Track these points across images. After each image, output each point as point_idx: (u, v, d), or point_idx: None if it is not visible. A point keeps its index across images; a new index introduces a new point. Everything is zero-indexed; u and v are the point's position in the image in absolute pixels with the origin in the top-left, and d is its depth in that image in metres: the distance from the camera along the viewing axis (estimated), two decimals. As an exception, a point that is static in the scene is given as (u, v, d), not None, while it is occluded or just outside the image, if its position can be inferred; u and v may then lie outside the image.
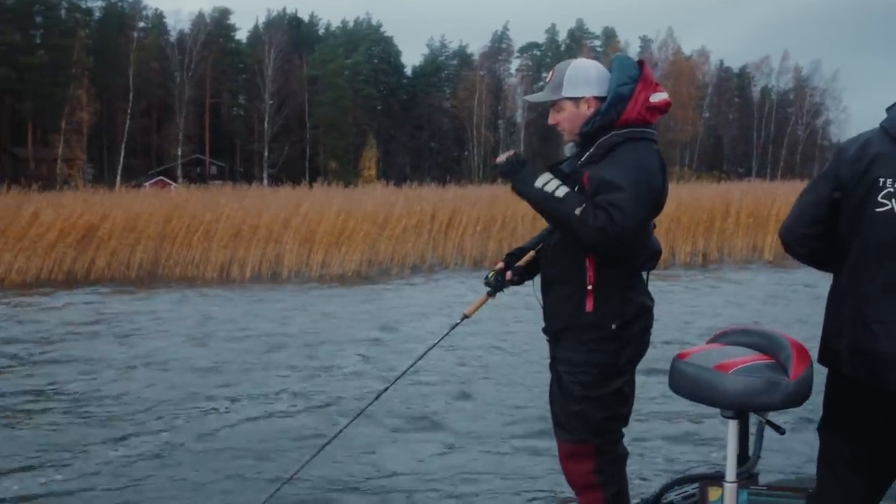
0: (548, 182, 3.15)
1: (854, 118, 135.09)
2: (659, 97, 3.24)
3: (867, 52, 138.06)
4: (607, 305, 3.19)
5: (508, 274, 3.57)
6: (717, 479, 3.49)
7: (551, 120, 3.39)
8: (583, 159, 3.23)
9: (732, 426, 3.12)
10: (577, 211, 3.03)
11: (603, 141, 3.18)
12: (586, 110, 3.26)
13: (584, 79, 3.28)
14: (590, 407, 3.23)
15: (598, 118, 3.20)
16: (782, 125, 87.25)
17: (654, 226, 3.43)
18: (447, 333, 3.77)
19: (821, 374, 2.86)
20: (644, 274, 3.38)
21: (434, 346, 3.80)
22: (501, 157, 3.33)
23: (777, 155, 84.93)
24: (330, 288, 14.71)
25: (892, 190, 2.66)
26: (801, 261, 3.06)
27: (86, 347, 9.24)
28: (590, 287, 3.19)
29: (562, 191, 3.11)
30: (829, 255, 2.88)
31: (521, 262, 3.60)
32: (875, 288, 2.68)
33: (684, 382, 3.19)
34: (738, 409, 3.05)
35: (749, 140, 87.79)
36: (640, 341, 3.30)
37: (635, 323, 3.24)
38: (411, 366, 3.83)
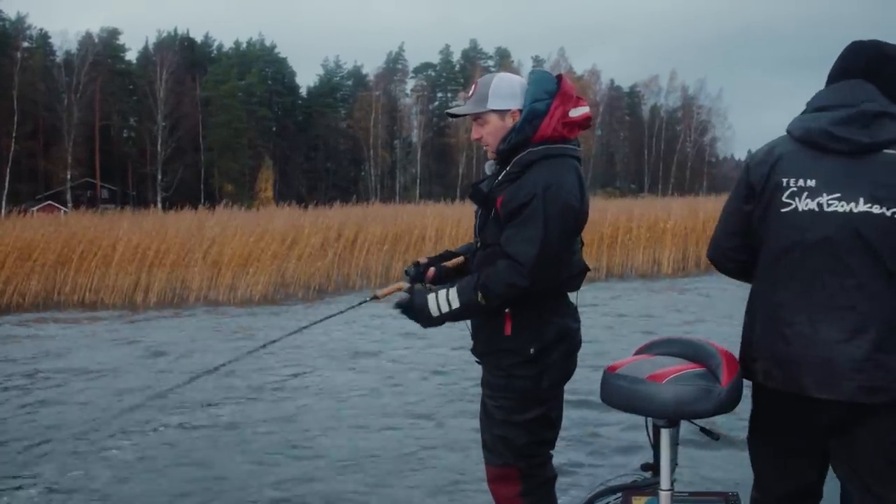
0: (438, 303, 3.15)
1: (739, 135, 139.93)
2: (578, 112, 3.17)
3: (748, 73, 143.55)
4: (525, 329, 3.14)
5: (431, 271, 3.43)
6: (641, 488, 3.51)
7: (475, 135, 3.28)
8: (500, 178, 3.14)
9: (665, 435, 3.14)
10: (480, 298, 3.05)
11: (519, 158, 3.10)
12: (511, 124, 3.16)
13: (510, 92, 3.19)
14: (512, 432, 3.19)
15: (514, 135, 3.12)
16: (672, 142, 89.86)
17: (582, 243, 3.36)
18: (349, 309, 3.72)
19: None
20: (574, 294, 3.33)
21: (329, 317, 3.70)
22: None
23: (668, 171, 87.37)
24: (236, 313, 14.43)
25: (795, 189, 2.68)
26: (732, 277, 3.08)
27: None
28: (507, 310, 3.13)
29: (454, 299, 3.11)
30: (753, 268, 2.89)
31: (448, 263, 3.49)
32: (784, 291, 2.70)
33: (617, 394, 3.17)
34: (673, 417, 3.08)
35: (640, 157, 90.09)
36: (564, 365, 3.24)
37: (557, 347, 3.18)
38: (292, 333, 3.73)
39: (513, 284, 3.00)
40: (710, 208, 22.73)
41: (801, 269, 2.66)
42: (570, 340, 3.24)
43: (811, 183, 2.65)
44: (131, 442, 6.29)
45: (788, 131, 2.78)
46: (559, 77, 3.24)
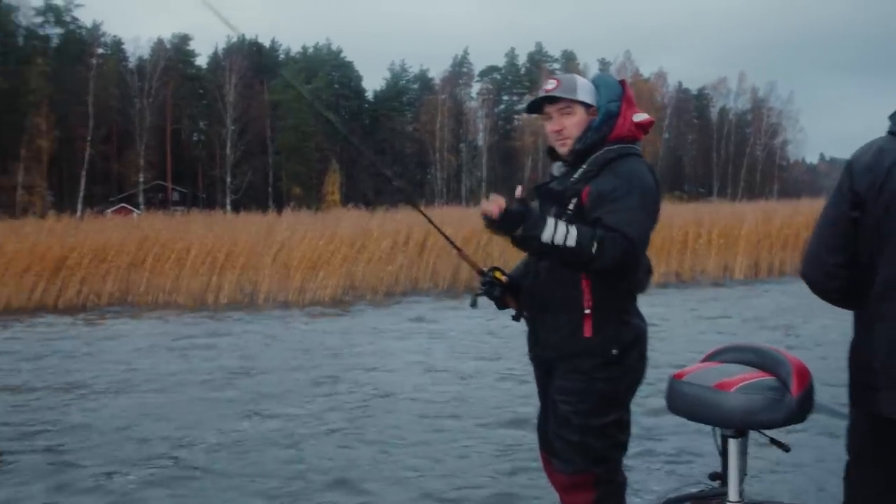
0: (556, 231, 2.91)
1: (811, 138, 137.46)
2: (642, 117, 3.22)
3: (821, 75, 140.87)
4: (606, 330, 3.09)
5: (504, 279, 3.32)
6: (708, 498, 3.47)
7: (555, 126, 3.22)
8: (576, 176, 3.13)
9: (733, 445, 3.09)
10: (594, 250, 2.89)
11: (597, 157, 3.11)
12: (590, 119, 3.20)
13: (590, 90, 3.23)
14: (590, 437, 3.12)
15: (592, 133, 3.15)
16: (741, 145, 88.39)
17: None
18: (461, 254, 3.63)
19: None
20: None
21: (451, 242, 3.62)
22: (491, 207, 2.96)
23: (737, 175, 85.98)
24: (308, 315, 14.62)
25: None
26: (829, 299, 2.70)
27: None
28: (587, 311, 3.08)
29: (572, 237, 2.90)
30: (860, 286, 2.53)
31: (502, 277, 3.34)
32: None
33: (683, 402, 3.14)
34: (741, 427, 3.03)
35: (709, 160, 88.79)
36: (640, 367, 3.20)
37: (634, 348, 3.15)
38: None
39: (626, 253, 2.92)
40: (785, 213, 22.34)
41: None
42: (643, 342, 3.21)
43: None
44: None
45: (894, 133, 2.48)
46: (622, 82, 3.30)
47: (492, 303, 3.31)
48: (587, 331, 3.09)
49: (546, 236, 2.91)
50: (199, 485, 5.38)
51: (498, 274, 3.29)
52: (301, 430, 6.65)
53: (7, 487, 5.39)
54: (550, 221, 2.94)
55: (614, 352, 3.08)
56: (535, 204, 3.34)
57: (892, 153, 2.44)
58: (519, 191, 3.01)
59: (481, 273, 3.28)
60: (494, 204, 2.95)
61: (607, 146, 3.13)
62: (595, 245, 2.89)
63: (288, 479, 5.46)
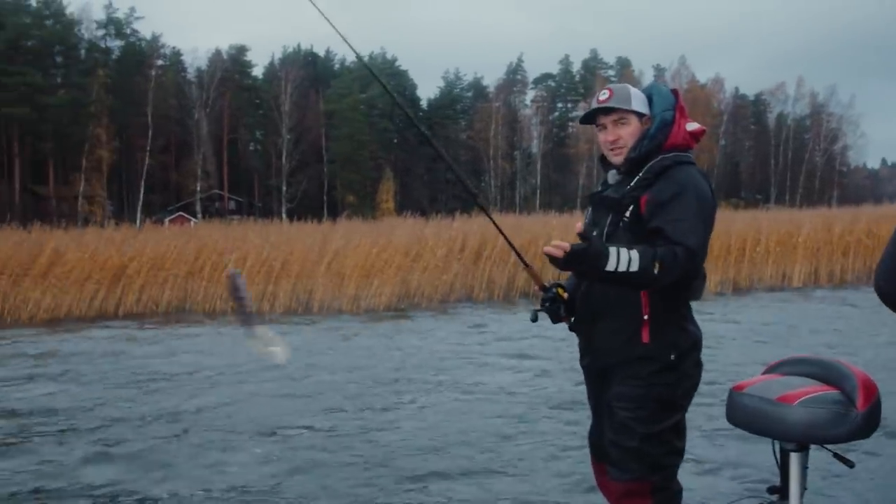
0: (619, 260, 2.90)
1: (872, 143, 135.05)
2: (694, 125, 3.25)
3: (883, 79, 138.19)
4: (664, 336, 3.09)
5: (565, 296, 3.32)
6: (768, 512, 3.40)
7: (610, 136, 3.25)
8: (633, 184, 3.15)
9: (794, 459, 3.04)
10: (656, 271, 2.91)
11: (653, 165, 3.13)
12: (643, 129, 3.23)
13: (642, 99, 3.28)
14: (649, 443, 3.09)
15: (647, 142, 3.18)
16: (799, 151, 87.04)
17: None
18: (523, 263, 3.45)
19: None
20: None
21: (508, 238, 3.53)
22: (556, 252, 2.89)
23: (795, 181, 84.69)
24: (363, 322, 14.69)
25: None
26: None
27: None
28: (646, 317, 3.08)
29: (635, 262, 2.89)
30: None
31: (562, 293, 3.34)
32: None
33: (744, 414, 3.10)
34: (803, 441, 2.97)
35: (766, 167, 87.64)
36: (695, 373, 3.19)
37: (691, 354, 3.15)
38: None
39: (687, 265, 2.96)
40: (846, 220, 21.93)
41: None
42: (699, 349, 3.20)
43: None
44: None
45: None
46: (674, 91, 3.34)
47: (546, 315, 3.32)
48: (645, 336, 3.09)
49: (610, 266, 2.90)
50: (282, 479, 5.55)
51: (560, 291, 3.29)
52: (369, 429, 6.83)
53: (92, 472, 5.68)
54: (612, 251, 2.92)
55: (672, 357, 3.08)
56: (588, 211, 3.40)
57: None
58: (579, 226, 2.98)
59: (544, 289, 3.28)
60: (559, 249, 2.90)
61: (662, 154, 3.16)
62: (657, 266, 2.91)
63: (358, 477, 5.58)
